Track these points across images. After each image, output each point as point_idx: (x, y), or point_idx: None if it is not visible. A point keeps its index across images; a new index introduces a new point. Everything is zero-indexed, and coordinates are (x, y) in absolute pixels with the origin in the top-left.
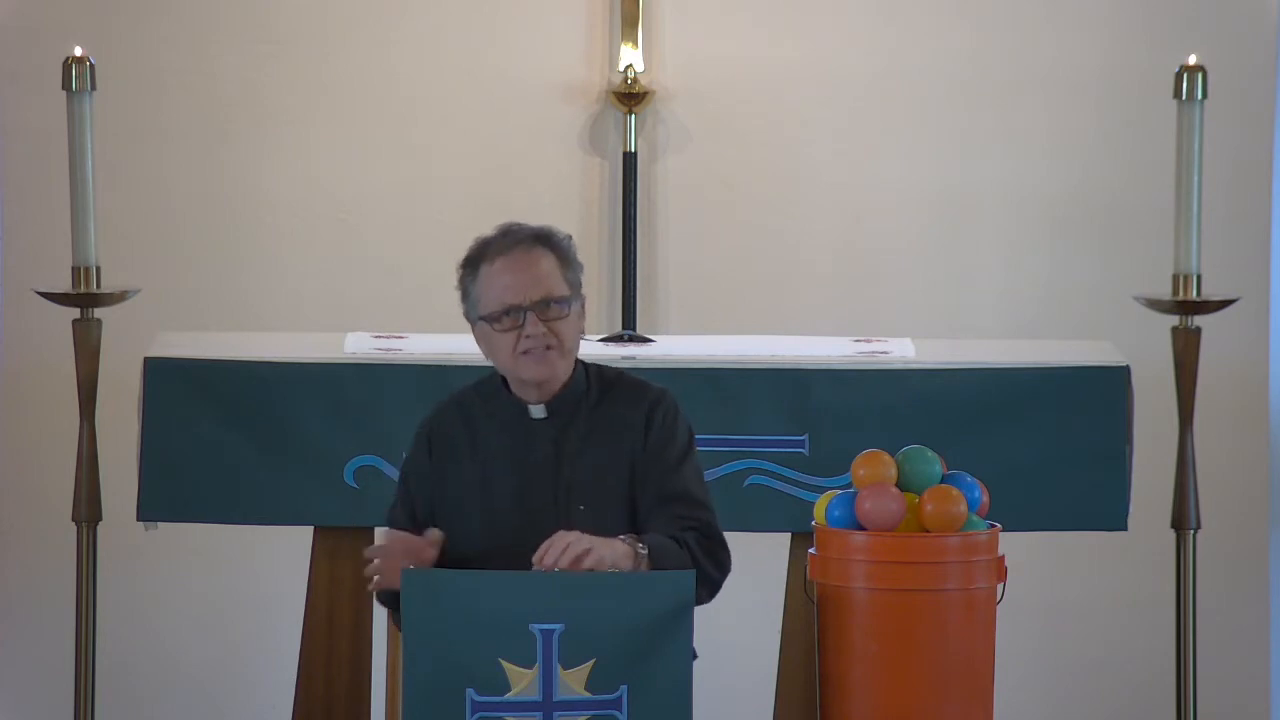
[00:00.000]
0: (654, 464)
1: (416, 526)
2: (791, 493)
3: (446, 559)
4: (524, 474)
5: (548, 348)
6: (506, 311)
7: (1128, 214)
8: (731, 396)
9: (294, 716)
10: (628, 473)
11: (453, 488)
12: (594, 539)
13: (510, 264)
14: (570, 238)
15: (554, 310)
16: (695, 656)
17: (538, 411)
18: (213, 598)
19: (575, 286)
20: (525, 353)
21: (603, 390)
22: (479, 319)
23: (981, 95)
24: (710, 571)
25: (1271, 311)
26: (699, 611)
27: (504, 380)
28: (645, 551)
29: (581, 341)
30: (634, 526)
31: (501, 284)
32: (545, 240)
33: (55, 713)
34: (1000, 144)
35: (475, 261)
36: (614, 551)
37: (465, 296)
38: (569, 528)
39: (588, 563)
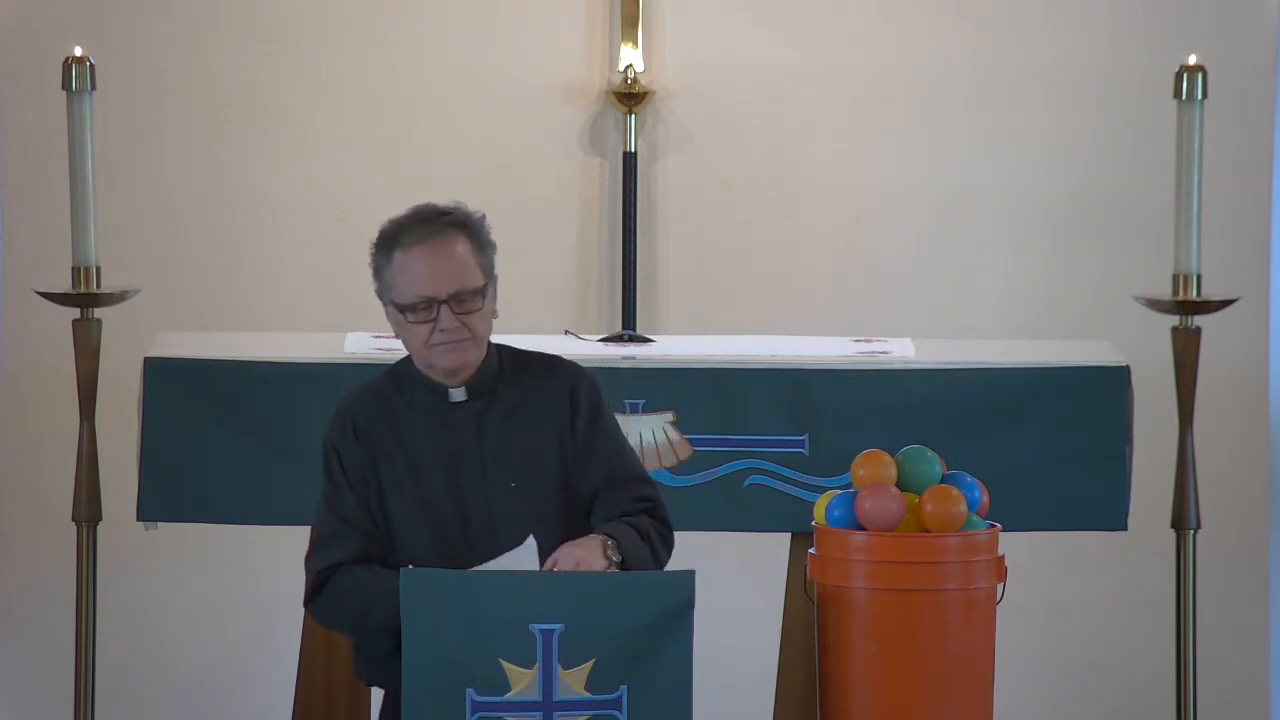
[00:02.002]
0: (591, 444)
1: (364, 509)
2: (791, 493)
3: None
4: (451, 456)
5: (460, 339)
6: (421, 303)
7: (1128, 214)
8: (731, 396)
9: (294, 716)
10: (556, 447)
11: (385, 474)
12: (588, 553)
13: (425, 253)
14: (484, 217)
15: (468, 303)
16: None
17: (457, 394)
18: (213, 598)
19: (489, 272)
20: (440, 344)
21: (517, 368)
22: (391, 303)
23: (981, 95)
24: (660, 552)
25: (1271, 311)
26: (699, 612)
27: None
28: (618, 560)
29: (494, 324)
30: (569, 503)
31: (415, 274)
32: (460, 225)
33: (55, 713)
34: (1000, 144)
35: (389, 244)
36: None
37: (377, 276)
38: (501, 505)
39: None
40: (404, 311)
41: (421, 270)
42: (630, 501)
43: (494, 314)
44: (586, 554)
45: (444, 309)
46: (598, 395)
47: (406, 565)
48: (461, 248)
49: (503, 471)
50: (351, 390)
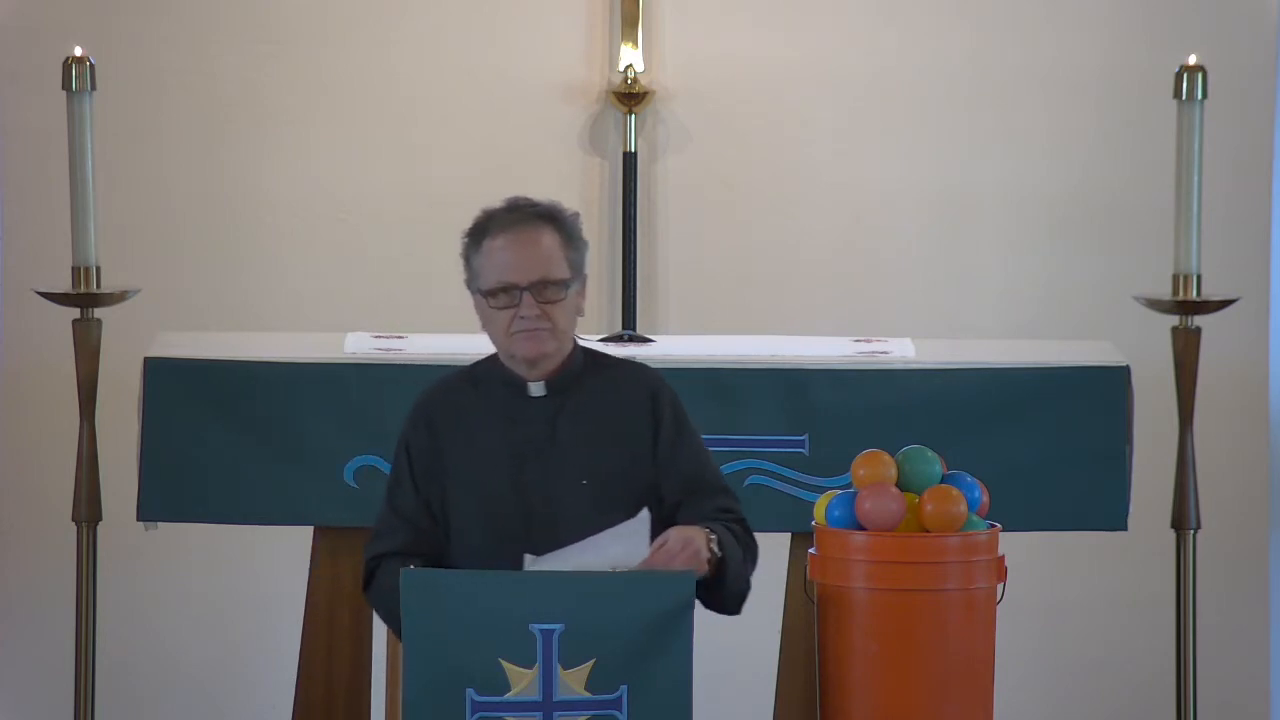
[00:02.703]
0: (677, 453)
1: (422, 506)
2: (791, 493)
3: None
4: (521, 450)
5: (540, 328)
6: (503, 289)
7: (1128, 214)
8: (731, 396)
9: (294, 716)
10: (632, 450)
11: (453, 465)
12: (698, 535)
13: (511, 241)
14: (578, 215)
15: (550, 292)
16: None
17: (536, 389)
18: (213, 598)
19: (576, 267)
20: (519, 331)
21: (599, 370)
22: (477, 291)
23: (981, 95)
24: (751, 569)
25: (1271, 311)
26: (699, 612)
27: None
28: (719, 555)
29: (578, 320)
30: (639, 506)
31: (501, 261)
32: (550, 218)
33: (55, 713)
34: (1000, 144)
35: (479, 233)
36: (700, 540)
37: (466, 265)
38: (568, 502)
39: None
40: (487, 298)
41: (507, 257)
42: (714, 511)
43: (579, 311)
44: (696, 535)
45: (526, 296)
46: (679, 403)
47: (461, 558)
48: (549, 239)
49: (574, 468)
50: (428, 385)
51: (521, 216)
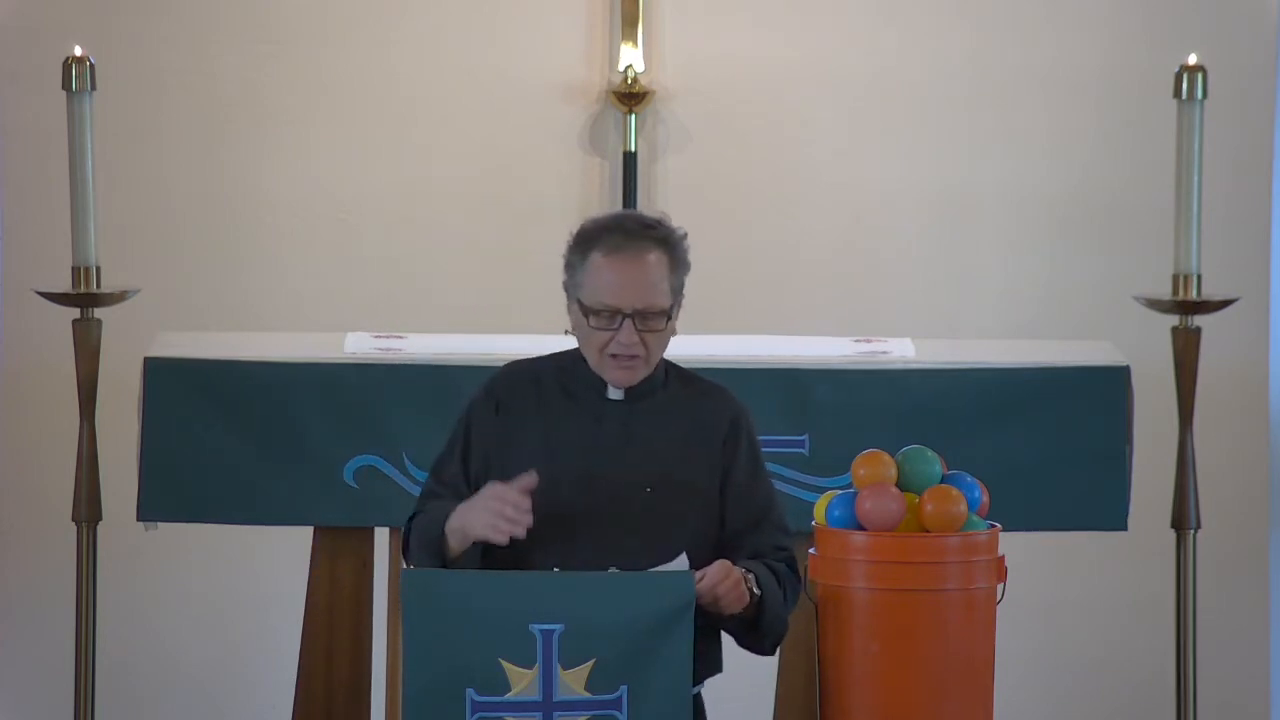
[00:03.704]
0: (754, 484)
1: (466, 480)
2: (791, 493)
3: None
4: (591, 449)
5: (634, 356)
6: (605, 311)
7: (1128, 214)
8: None
9: (294, 716)
10: (700, 469)
11: (516, 450)
12: (740, 577)
13: (622, 263)
14: (685, 235)
15: (652, 321)
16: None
17: (615, 393)
18: (213, 598)
19: (678, 293)
20: (614, 356)
21: (681, 383)
22: (578, 301)
23: (981, 95)
24: (790, 609)
25: (1271, 311)
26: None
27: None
28: (758, 596)
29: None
30: (702, 525)
31: (607, 281)
32: (662, 242)
33: (55, 713)
34: (1000, 144)
35: (589, 244)
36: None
37: (570, 271)
38: (629, 505)
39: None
40: (587, 315)
41: (614, 279)
42: (771, 550)
43: (673, 333)
44: (739, 576)
45: (627, 323)
46: (757, 436)
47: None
48: (657, 265)
49: (641, 473)
50: (508, 364)
51: (636, 239)
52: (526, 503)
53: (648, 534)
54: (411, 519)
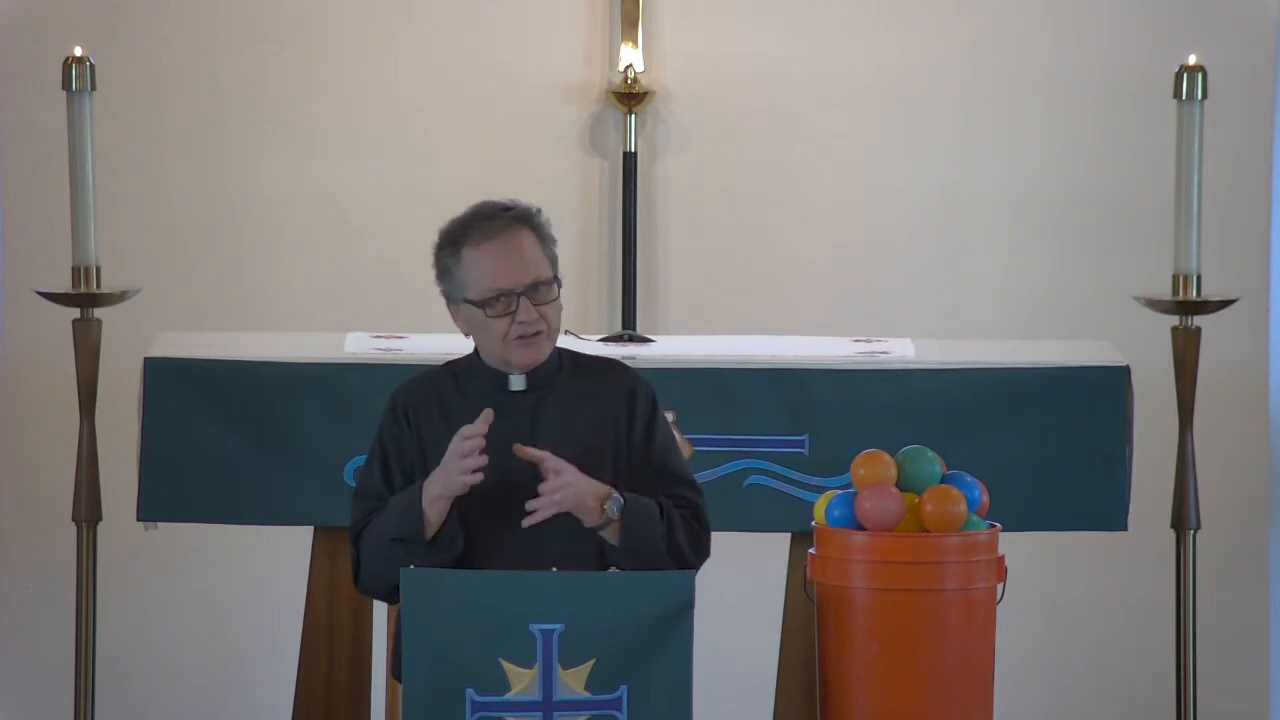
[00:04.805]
0: (647, 446)
1: (386, 492)
2: (791, 493)
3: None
4: (501, 445)
5: (537, 333)
6: (498, 297)
7: (1128, 214)
8: (731, 396)
9: (294, 716)
10: (611, 446)
11: (431, 460)
12: (577, 479)
13: (496, 248)
14: (541, 210)
15: (543, 293)
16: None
17: (517, 383)
18: (213, 598)
19: (554, 264)
20: (519, 338)
21: (577, 367)
22: (465, 301)
23: (981, 95)
24: (683, 546)
25: (1271, 311)
26: (699, 612)
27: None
28: (615, 517)
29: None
30: None
31: (488, 269)
32: (524, 219)
33: (55, 713)
34: (1000, 144)
35: (455, 244)
36: (588, 492)
37: (445, 277)
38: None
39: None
40: (482, 307)
41: (494, 264)
42: (667, 497)
43: (561, 305)
44: (590, 487)
45: (522, 301)
46: (655, 401)
47: (443, 548)
48: (528, 241)
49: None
50: (406, 380)
51: (500, 222)
52: (481, 441)
53: (572, 516)
54: (357, 539)
